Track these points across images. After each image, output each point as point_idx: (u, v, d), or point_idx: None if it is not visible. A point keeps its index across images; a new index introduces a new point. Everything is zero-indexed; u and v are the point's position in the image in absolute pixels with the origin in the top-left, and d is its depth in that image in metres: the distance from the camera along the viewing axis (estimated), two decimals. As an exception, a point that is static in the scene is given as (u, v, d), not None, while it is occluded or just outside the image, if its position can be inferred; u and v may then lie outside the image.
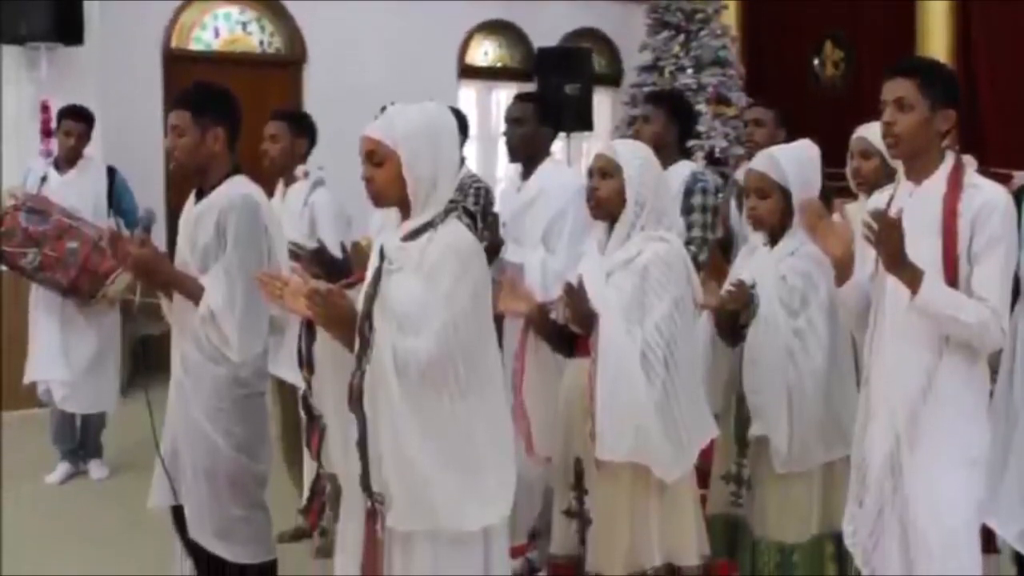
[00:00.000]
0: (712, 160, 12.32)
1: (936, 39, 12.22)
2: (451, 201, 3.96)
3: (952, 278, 3.95)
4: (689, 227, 6.00)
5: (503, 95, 14.06)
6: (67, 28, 10.03)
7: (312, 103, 12.07)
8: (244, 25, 12.71)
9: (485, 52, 14.55)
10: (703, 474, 4.93)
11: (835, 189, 5.70)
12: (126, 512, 7.08)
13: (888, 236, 3.83)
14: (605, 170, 4.59)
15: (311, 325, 4.01)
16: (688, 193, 6.24)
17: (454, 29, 13.94)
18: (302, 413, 4.30)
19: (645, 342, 4.36)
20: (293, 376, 4.88)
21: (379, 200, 3.92)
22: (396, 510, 3.76)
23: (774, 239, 4.86)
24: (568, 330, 4.66)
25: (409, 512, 3.76)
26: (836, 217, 4.42)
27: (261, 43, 12.84)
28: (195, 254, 4.85)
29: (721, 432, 4.82)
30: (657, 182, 4.63)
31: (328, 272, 5.20)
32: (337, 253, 6.12)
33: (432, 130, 3.88)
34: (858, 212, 4.67)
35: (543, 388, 4.80)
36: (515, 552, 5.30)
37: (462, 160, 5.49)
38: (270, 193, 5.79)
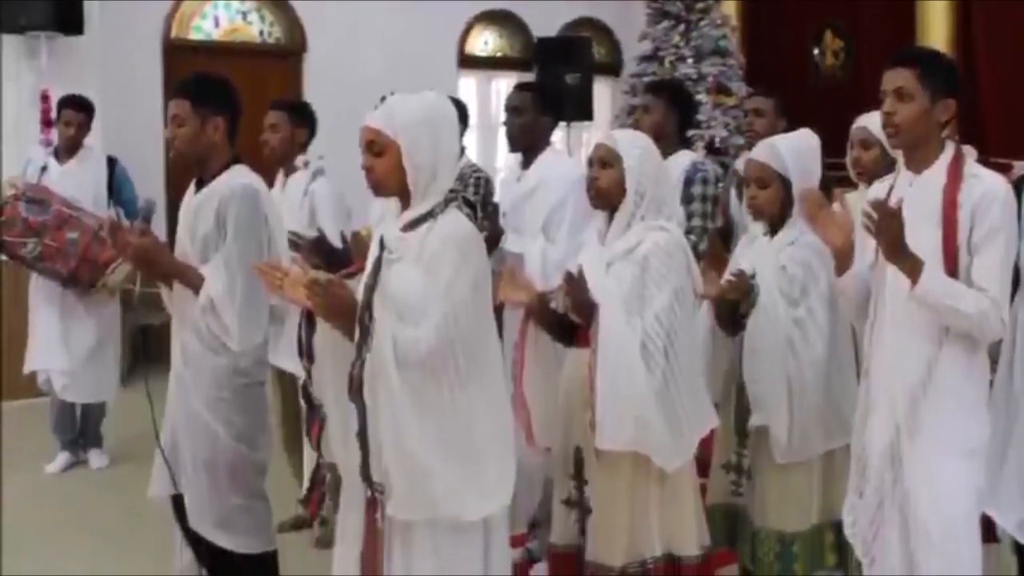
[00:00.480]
0: (712, 150, 12.31)
1: (936, 28, 12.20)
2: (451, 191, 3.96)
3: (952, 268, 3.95)
4: (689, 217, 6.00)
5: (503, 85, 14.06)
6: (67, 18, 10.04)
7: (312, 93, 12.07)
8: (244, 15, 12.71)
9: (485, 42, 14.54)
10: (703, 464, 4.94)
11: (835, 179, 5.71)
12: (126, 502, 7.09)
13: (888, 226, 3.83)
14: (605, 160, 4.59)
15: (311, 315, 4.01)
16: (688, 183, 6.25)
17: (454, 19, 13.93)
18: (302, 403, 4.31)
19: (645, 332, 4.36)
20: (293, 366, 4.90)
21: (379, 190, 3.92)
22: (396, 499, 3.77)
23: (774, 229, 4.86)
24: (568, 320, 4.66)
25: (409, 501, 3.76)
26: (836, 207, 4.41)
27: (261, 33, 12.84)
28: (195, 244, 4.85)
29: (721, 422, 4.82)
30: (657, 172, 4.63)
31: (328, 262, 5.20)
32: (337, 243, 6.12)
33: (432, 120, 3.88)
34: (858, 202, 4.67)
35: (543, 378, 4.80)
36: (515, 542, 5.31)
37: (462, 150, 5.49)
38: (270, 183, 5.78)
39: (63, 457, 8.18)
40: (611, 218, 4.61)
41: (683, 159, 6.38)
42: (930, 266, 3.88)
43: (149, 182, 9.43)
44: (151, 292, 5.38)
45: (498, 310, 4.33)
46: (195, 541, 5.00)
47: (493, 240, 5.81)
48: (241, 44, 12.68)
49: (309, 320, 4.05)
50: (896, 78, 4.05)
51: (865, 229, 3.91)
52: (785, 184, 4.76)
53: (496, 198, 6.34)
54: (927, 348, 4.01)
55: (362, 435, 3.80)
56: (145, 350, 8.79)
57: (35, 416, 8.72)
